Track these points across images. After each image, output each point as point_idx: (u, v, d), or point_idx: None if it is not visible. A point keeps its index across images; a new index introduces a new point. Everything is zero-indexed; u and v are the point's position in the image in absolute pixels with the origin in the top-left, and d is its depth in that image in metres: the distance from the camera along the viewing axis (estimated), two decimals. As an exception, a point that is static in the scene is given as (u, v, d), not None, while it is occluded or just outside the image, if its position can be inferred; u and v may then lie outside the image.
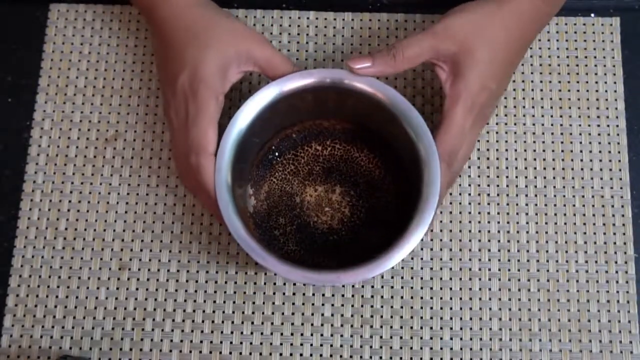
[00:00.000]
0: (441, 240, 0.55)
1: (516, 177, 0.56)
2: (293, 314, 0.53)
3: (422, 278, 0.54)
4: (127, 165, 0.57)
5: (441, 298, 0.54)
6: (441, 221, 0.55)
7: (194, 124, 0.47)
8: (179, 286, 0.54)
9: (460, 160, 0.50)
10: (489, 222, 0.55)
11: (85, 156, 0.57)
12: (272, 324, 0.53)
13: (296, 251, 0.54)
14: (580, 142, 0.57)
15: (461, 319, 0.53)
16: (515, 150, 0.57)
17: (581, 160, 0.57)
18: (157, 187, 0.56)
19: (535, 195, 0.56)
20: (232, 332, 0.53)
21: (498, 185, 0.56)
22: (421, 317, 0.53)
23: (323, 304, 0.54)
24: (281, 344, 0.53)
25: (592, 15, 0.61)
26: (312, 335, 0.53)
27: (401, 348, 0.53)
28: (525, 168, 0.57)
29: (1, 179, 0.57)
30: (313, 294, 0.54)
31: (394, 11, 0.61)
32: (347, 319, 0.53)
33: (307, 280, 0.46)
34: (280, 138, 0.56)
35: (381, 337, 0.53)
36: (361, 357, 0.53)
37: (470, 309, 0.54)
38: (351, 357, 0.53)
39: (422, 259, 0.55)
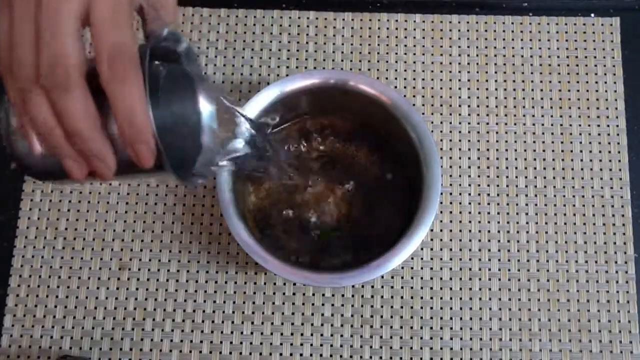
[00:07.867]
0: (441, 240, 0.55)
1: (516, 177, 0.56)
2: (293, 314, 0.53)
3: (422, 278, 0.54)
4: (127, 165, 0.57)
5: (441, 298, 0.54)
6: (441, 221, 0.55)
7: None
8: (179, 286, 0.54)
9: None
10: (489, 222, 0.55)
11: (85, 156, 0.57)
12: (272, 324, 0.53)
13: (296, 250, 0.54)
14: (580, 142, 0.57)
15: (461, 319, 0.53)
16: (515, 150, 0.57)
17: (581, 160, 0.57)
18: (157, 187, 0.56)
19: (535, 195, 0.56)
20: (232, 332, 0.53)
21: (498, 185, 0.56)
22: (421, 317, 0.53)
23: (323, 304, 0.54)
24: (281, 344, 0.53)
25: (592, 15, 0.60)
26: (312, 335, 0.53)
27: (401, 348, 0.53)
28: (525, 168, 0.57)
29: (1, 179, 0.57)
30: (313, 294, 0.54)
31: (393, 11, 0.61)
32: (347, 319, 0.53)
33: (307, 282, 0.46)
34: (280, 137, 0.56)
35: (381, 337, 0.53)
36: (361, 357, 0.53)
37: (470, 309, 0.54)
38: (351, 357, 0.53)
39: (422, 259, 0.55)
